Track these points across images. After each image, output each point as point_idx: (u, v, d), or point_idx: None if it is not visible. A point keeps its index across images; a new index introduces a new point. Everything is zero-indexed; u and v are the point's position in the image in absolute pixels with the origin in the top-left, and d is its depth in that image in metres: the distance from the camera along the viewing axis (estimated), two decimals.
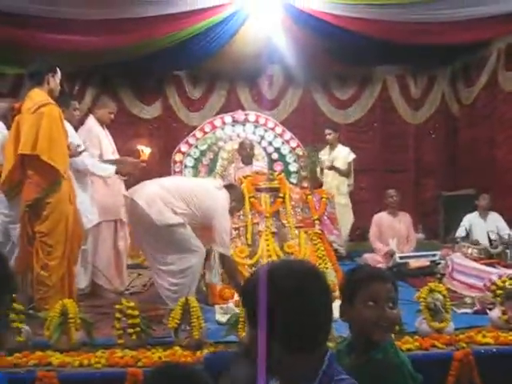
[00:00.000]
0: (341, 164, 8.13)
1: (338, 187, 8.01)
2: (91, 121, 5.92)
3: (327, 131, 8.29)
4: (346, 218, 7.98)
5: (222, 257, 4.91)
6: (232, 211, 5.01)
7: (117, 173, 5.62)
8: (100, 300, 5.56)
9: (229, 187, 5.12)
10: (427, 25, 7.59)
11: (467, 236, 7.08)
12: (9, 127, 4.92)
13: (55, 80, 4.73)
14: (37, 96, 4.59)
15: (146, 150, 5.68)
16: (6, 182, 4.65)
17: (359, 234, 8.20)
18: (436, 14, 7.33)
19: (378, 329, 2.06)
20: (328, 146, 8.29)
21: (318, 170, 8.00)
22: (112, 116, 6.03)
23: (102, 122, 5.93)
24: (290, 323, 1.37)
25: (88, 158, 5.42)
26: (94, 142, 5.72)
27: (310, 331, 1.41)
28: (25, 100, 4.63)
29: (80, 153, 5.11)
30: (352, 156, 8.24)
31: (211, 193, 4.92)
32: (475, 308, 4.97)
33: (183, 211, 4.73)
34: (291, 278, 1.42)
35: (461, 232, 7.09)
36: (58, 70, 4.78)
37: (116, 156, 5.96)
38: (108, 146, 5.91)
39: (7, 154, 4.66)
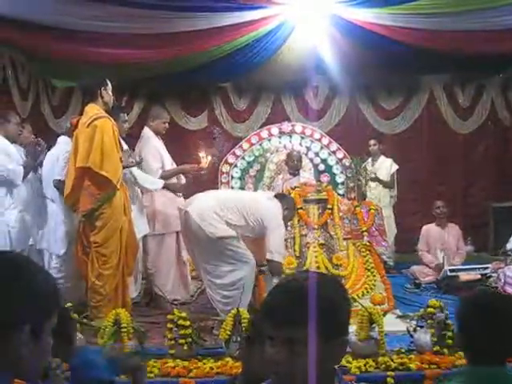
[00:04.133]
0: (383, 175, 8.05)
1: (379, 199, 7.92)
2: (148, 133, 5.95)
3: (372, 141, 8.24)
4: (389, 230, 7.89)
5: (273, 266, 4.87)
6: (284, 220, 5.03)
7: (166, 188, 5.72)
8: (159, 311, 5.56)
9: (280, 197, 5.15)
10: (475, 33, 7.47)
11: None
12: None
13: (108, 92, 4.84)
14: (91, 110, 4.71)
15: (206, 158, 5.81)
16: (69, 196, 4.80)
17: (406, 245, 8.07)
18: (484, 22, 7.21)
19: None
20: (371, 158, 8.23)
21: (363, 181, 7.94)
22: (166, 125, 6.08)
23: (157, 133, 5.98)
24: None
25: (136, 170, 5.47)
26: (154, 154, 5.78)
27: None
28: (82, 115, 4.78)
29: (138, 163, 5.20)
30: (395, 167, 8.15)
31: (264, 204, 4.97)
32: None
33: (237, 223, 4.77)
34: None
35: None
36: (108, 82, 4.89)
37: (174, 166, 6.03)
38: (168, 157, 5.97)
39: (69, 169, 4.81)
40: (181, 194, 5.92)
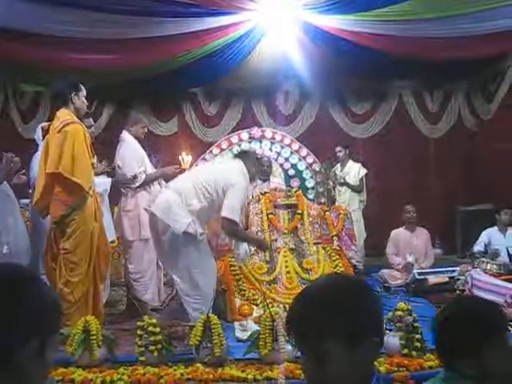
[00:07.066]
0: (352, 180, 8.11)
1: (348, 203, 7.97)
2: (129, 137, 5.82)
3: (337, 148, 8.28)
4: (358, 234, 7.95)
5: (226, 226, 4.69)
6: (251, 177, 4.94)
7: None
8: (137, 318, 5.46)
9: (241, 155, 5.11)
10: (443, 40, 7.58)
11: (486, 251, 7.01)
12: None
13: (80, 98, 4.78)
14: (62, 115, 4.65)
15: (186, 159, 5.76)
16: (38, 201, 4.71)
17: (376, 249, 8.14)
18: (452, 29, 7.33)
19: None
20: (339, 163, 8.29)
21: (332, 185, 8.00)
22: (146, 130, 5.98)
23: (136, 138, 5.85)
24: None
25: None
26: (136, 158, 5.71)
27: None
28: (54, 120, 4.71)
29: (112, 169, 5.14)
30: (363, 171, 8.21)
31: (225, 170, 4.89)
32: None
33: (198, 206, 4.66)
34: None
35: (479, 247, 7.02)
36: (81, 87, 4.83)
37: (154, 170, 5.95)
38: (148, 161, 5.89)
39: (39, 174, 4.73)
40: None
